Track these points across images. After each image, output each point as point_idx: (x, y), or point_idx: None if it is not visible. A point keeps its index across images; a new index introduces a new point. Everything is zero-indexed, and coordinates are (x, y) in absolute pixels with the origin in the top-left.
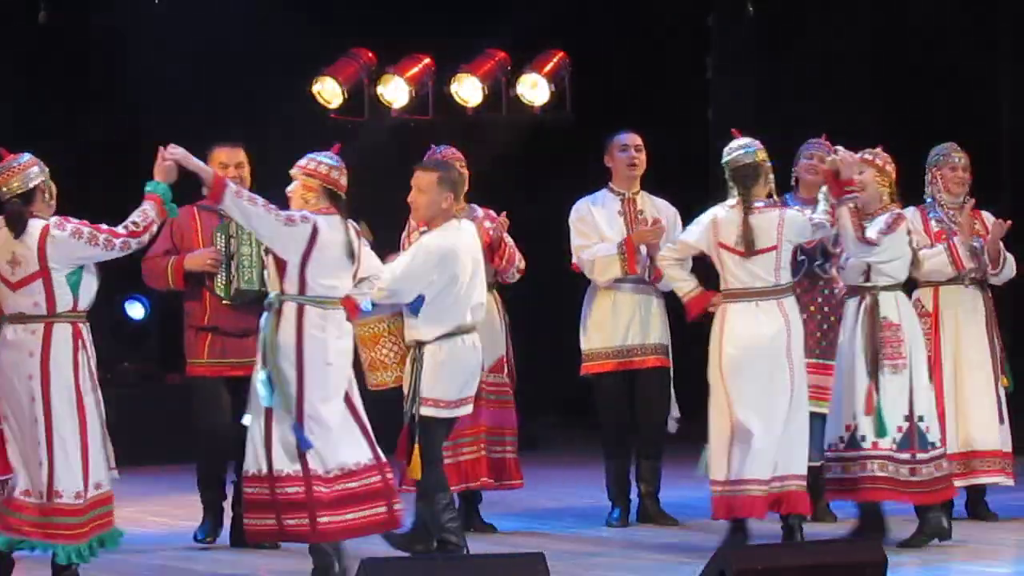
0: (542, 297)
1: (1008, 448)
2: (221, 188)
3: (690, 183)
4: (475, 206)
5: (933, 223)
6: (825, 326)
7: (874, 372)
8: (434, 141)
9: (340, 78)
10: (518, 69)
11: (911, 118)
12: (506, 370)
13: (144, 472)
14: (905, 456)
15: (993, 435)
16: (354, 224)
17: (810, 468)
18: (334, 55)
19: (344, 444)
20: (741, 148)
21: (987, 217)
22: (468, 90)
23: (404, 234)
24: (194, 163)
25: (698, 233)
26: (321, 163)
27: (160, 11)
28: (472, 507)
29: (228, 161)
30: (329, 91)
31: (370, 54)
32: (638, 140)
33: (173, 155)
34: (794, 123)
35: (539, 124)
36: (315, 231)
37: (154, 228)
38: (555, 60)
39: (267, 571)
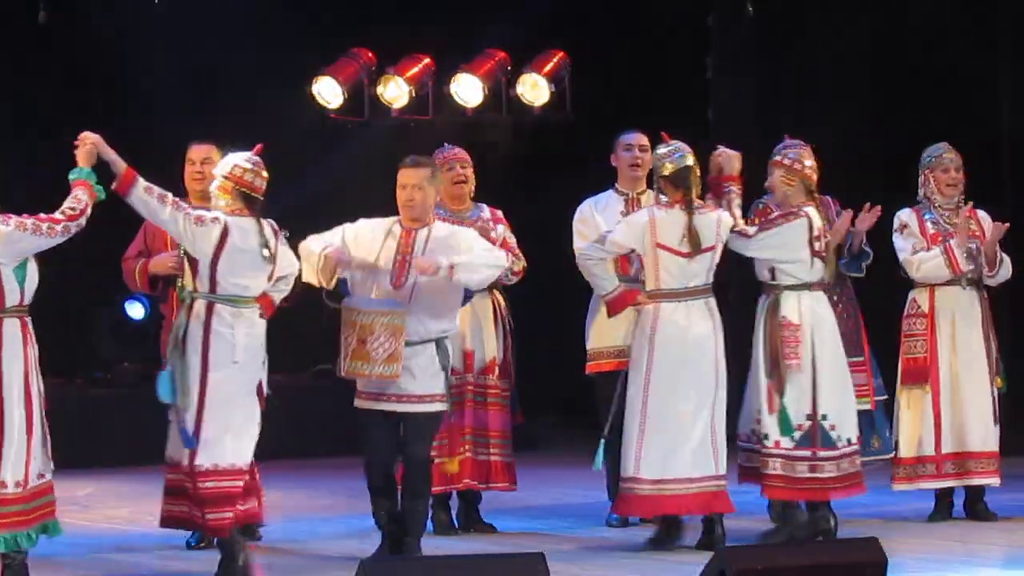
0: (542, 297)
1: (996, 448)
2: (130, 181)
3: None
4: (483, 205)
5: (929, 224)
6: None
7: (775, 371)
8: (434, 141)
9: (340, 78)
10: (518, 69)
11: (911, 118)
12: (498, 372)
13: (144, 472)
14: (804, 454)
15: (988, 436)
16: (272, 224)
17: None
18: (334, 55)
19: (242, 442)
20: (676, 153)
21: (983, 217)
22: (468, 90)
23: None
24: (108, 152)
25: (630, 233)
26: (236, 166)
27: (160, 11)
28: (472, 507)
29: (195, 158)
30: (329, 91)
31: (370, 54)
32: (643, 140)
33: (90, 140)
34: (794, 123)
35: (539, 124)
36: (225, 232)
37: (88, 210)
38: (555, 60)
39: (262, 570)
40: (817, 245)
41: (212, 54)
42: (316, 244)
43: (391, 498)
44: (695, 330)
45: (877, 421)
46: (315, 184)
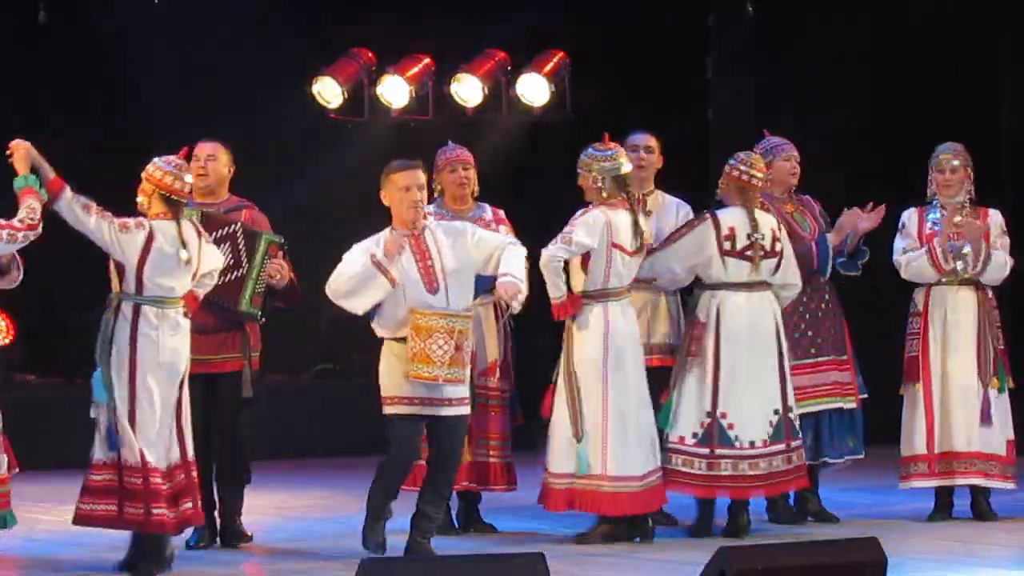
0: (543, 298)
1: (991, 450)
2: (57, 189)
3: (689, 183)
4: (484, 205)
5: (928, 224)
6: (827, 323)
7: (680, 368)
8: (434, 141)
9: (340, 78)
10: (518, 69)
11: (911, 118)
12: (498, 374)
13: None
14: (704, 451)
15: (972, 436)
16: (194, 223)
17: (810, 466)
18: (334, 55)
19: (171, 440)
20: (616, 157)
21: (992, 215)
22: (468, 90)
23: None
24: (38, 158)
25: (593, 232)
26: (157, 168)
27: (160, 11)
28: (472, 507)
29: (200, 154)
30: (329, 91)
31: (370, 54)
32: (649, 141)
33: (23, 146)
34: (794, 123)
35: (539, 124)
36: (150, 237)
37: (42, 219)
38: (555, 60)
39: (255, 570)
40: (728, 245)
41: (212, 54)
42: (368, 268)
43: (395, 499)
44: (635, 328)
45: (856, 421)
46: (315, 184)
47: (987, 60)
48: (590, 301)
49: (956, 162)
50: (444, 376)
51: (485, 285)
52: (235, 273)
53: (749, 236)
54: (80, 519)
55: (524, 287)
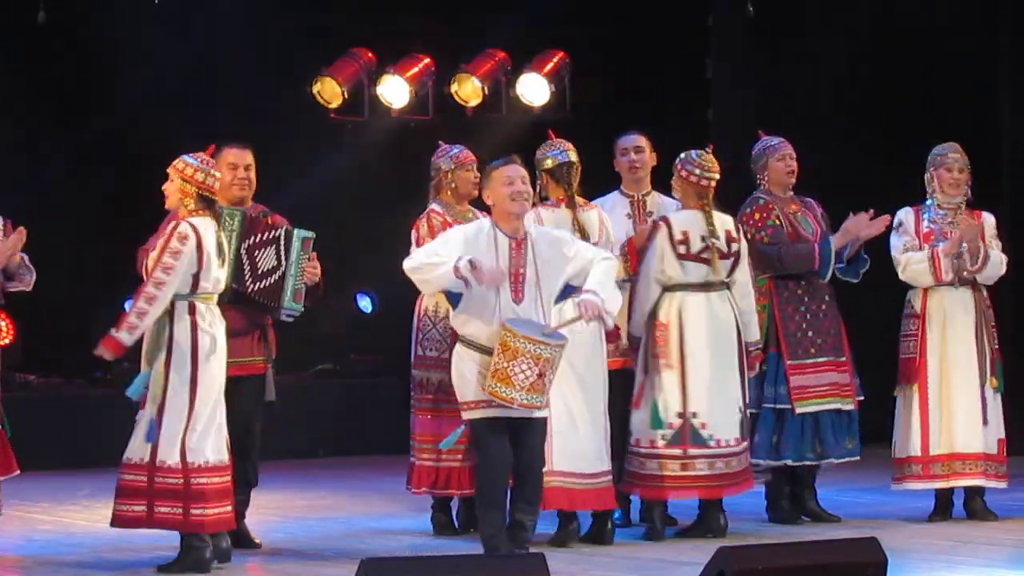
0: None
1: (989, 450)
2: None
3: None
4: (473, 209)
5: (925, 223)
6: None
7: (644, 369)
8: (434, 141)
9: (340, 78)
10: (518, 69)
11: (911, 118)
12: None
13: None
14: (676, 452)
15: (975, 437)
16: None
17: (807, 467)
18: (334, 55)
19: (215, 438)
20: (556, 149)
21: (986, 217)
22: (468, 90)
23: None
24: None
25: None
26: (190, 166)
27: (160, 11)
28: (471, 507)
29: (237, 162)
30: (329, 91)
31: (370, 54)
32: (639, 141)
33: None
34: (794, 123)
35: (539, 124)
36: (199, 242)
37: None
38: (555, 60)
39: (255, 570)
40: (682, 248)
41: (212, 54)
42: (441, 258)
43: (504, 511)
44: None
45: (854, 422)
46: (315, 184)
47: (987, 60)
48: None
49: (963, 162)
50: (520, 400)
51: (568, 293)
52: (278, 275)
53: (703, 239)
54: (116, 521)
55: (610, 305)
